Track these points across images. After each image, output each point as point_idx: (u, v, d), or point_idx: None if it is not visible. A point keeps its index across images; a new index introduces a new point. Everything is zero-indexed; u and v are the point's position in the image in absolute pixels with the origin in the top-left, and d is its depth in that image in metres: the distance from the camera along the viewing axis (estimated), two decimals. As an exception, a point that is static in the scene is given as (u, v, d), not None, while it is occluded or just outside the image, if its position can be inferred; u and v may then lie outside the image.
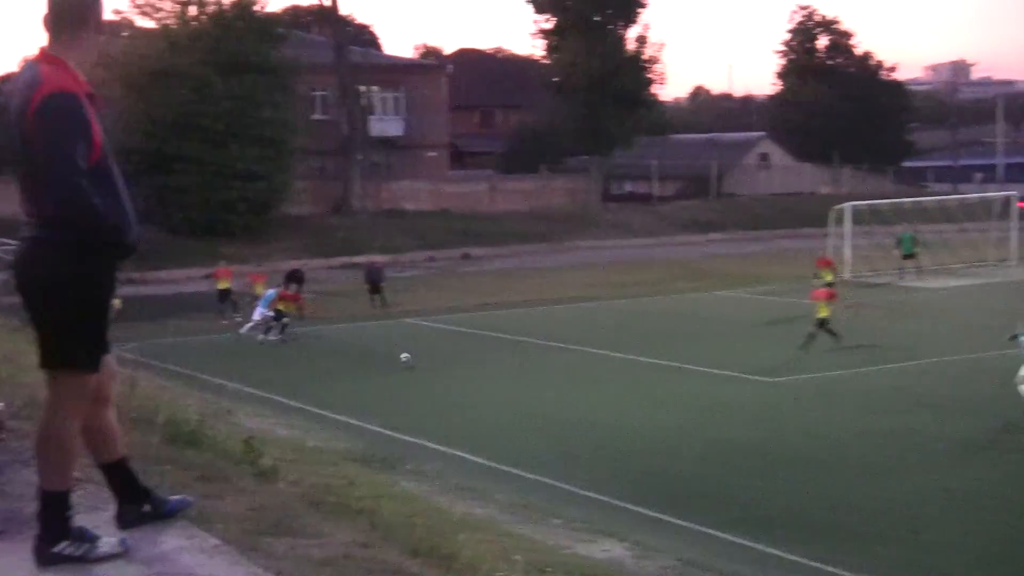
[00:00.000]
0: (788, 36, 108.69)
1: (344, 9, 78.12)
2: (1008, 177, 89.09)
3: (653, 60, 78.62)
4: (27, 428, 7.15)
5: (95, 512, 5.57)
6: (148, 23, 65.52)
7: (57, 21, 5.22)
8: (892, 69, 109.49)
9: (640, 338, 37.05)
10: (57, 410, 5.19)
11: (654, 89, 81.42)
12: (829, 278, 41.72)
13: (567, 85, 76.00)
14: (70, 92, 5.06)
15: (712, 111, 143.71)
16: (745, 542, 17.66)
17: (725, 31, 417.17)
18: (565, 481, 21.19)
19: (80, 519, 5.22)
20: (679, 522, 18.69)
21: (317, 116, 76.15)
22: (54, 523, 5.17)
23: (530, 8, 77.98)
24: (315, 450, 18.93)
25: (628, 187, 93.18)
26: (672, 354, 33.31)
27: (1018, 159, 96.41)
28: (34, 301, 5.15)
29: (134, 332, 33.01)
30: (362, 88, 74.65)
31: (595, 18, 75.94)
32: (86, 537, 5.17)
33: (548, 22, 77.68)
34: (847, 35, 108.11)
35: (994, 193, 66.12)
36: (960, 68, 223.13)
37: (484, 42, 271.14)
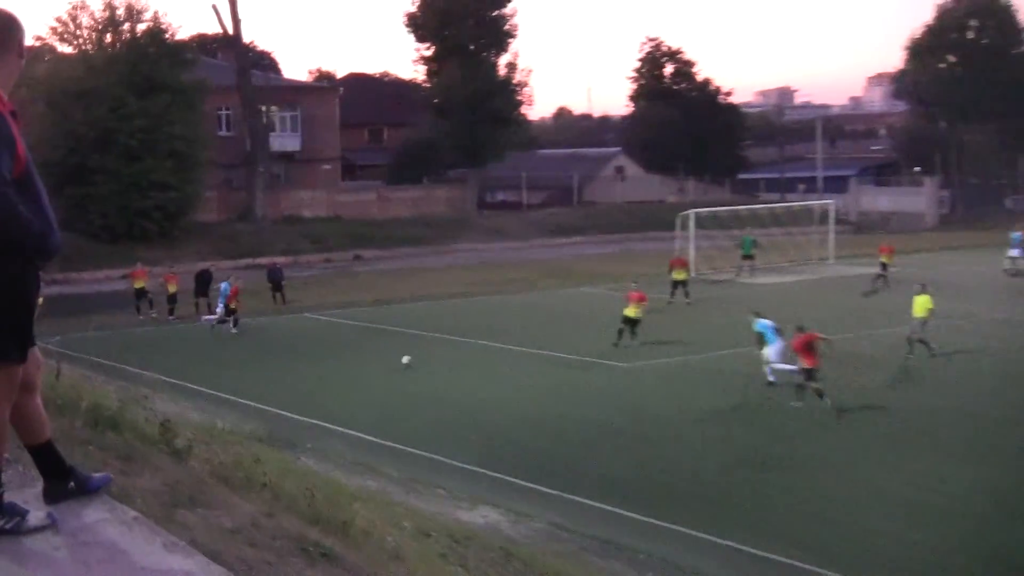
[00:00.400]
0: (639, 64, 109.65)
1: (246, 37, 77.18)
2: (826, 188, 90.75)
3: (522, 84, 78.94)
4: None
5: (24, 489, 5.44)
6: (67, 48, 64.58)
7: (-19, 46, 5.10)
8: (728, 94, 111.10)
9: (512, 329, 37.18)
10: (-11, 398, 5.10)
11: (523, 109, 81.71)
12: (682, 276, 42.07)
13: (446, 105, 75.90)
14: (-5, 111, 4.95)
15: (574, 129, 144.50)
16: (604, 506, 17.83)
17: (585, 59, 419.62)
18: (447, 456, 21.20)
19: (10, 496, 5.10)
20: (548, 490, 18.80)
21: (223, 133, 75.44)
22: (-14, 500, 5.07)
23: (412, 37, 77.84)
24: (224, 431, 18.69)
25: (501, 196, 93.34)
26: (539, 343, 33.47)
27: (834, 172, 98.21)
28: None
29: (59, 327, 32.36)
30: (263, 107, 73.92)
31: (470, 46, 75.98)
32: (16, 512, 5.07)
33: (428, 50, 77.58)
34: (690, 64, 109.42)
35: (815, 201, 67.51)
36: (785, 93, 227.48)
37: (372, 67, 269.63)
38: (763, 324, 27.39)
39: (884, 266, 44.68)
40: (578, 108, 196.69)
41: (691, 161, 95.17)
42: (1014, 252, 47.37)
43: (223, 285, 39.66)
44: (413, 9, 77.02)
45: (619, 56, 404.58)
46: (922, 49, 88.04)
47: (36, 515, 5.12)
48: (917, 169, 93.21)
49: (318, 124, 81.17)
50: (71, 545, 4.90)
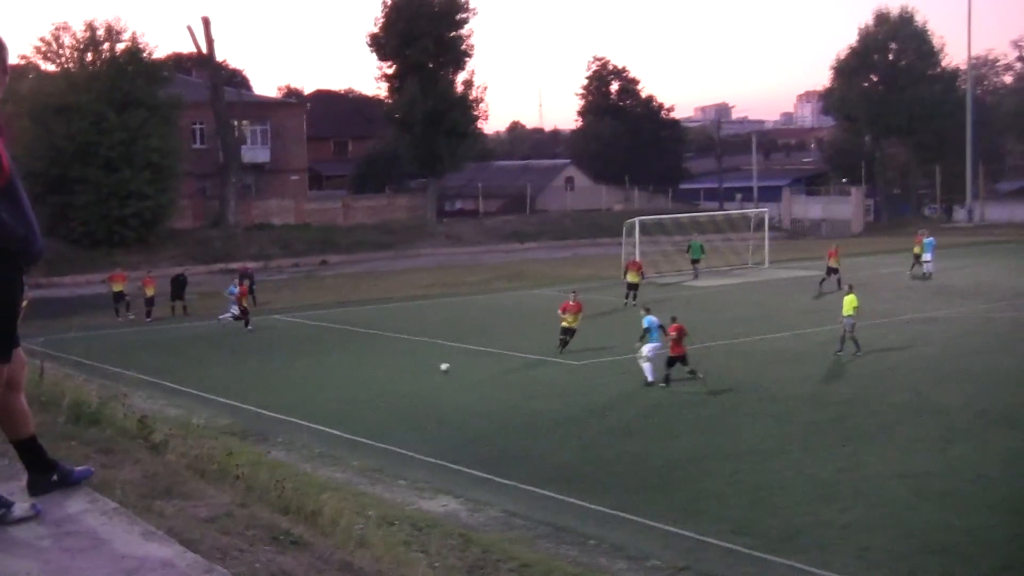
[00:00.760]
0: (587, 81, 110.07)
1: (219, 56, 76.76)
2: (761, 197, 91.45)
3: (478, 99, 78.81)
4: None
5: (10, 482, 5.38)
6: (50, 66, 64.15)
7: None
8: (670, 109, 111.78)
9: (469, 329, 37.17)
10: (-25, 395, 5.04)
11: (479, 123, 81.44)
12: (635, 279, 42.00)
13: (406, 120, 75.69)
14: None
15: (526, 142, 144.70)
16: (558, 496, 17.84)
17: (537, 76, 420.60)
18: (409, 448, 21.17)
19: (-4, 488, 5.05)
20: (504, 481, 18.80)
21: (197, 145, 75.17)
22: (-27, 492, 5.02)
23: (375, 56, 77.60)
24: (199, 426, 18.58)
25: (458, 204, 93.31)
26: (495, 342, 33.48)
27: (768, 182, 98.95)
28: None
29: (42, 329, 32.01)
30: (235, 122, 73.56)
31: (429, 64, 75.84)
32: (2, 503, 5.01)
33: (390, 67, 77.32)
34: (634, 81, 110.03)
35: (751, 210, 67.90)
36: (723, 109, 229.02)
37: (337, 83, 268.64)
38: (650, 320, 27.48)
39: (832, 270, 44.11)
40: (530, 122, 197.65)
41: (636, 172, 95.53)
42: (926, 256, 47.81)
43: (231, 288, 40.31)
44: (376, 29, 76.81)
45: (568, 74, 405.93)
46: (847, 69, 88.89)
47: (21, 506, 5.07)
48: (844, 180, 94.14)
49: (287, 137, 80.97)
50: (55, 535, 4.86)
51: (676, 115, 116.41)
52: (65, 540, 4.79)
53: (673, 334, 26.24)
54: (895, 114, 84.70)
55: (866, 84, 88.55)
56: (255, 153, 79.27)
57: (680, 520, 16.42)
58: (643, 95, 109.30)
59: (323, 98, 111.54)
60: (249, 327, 38.27)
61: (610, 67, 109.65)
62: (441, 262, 64.56)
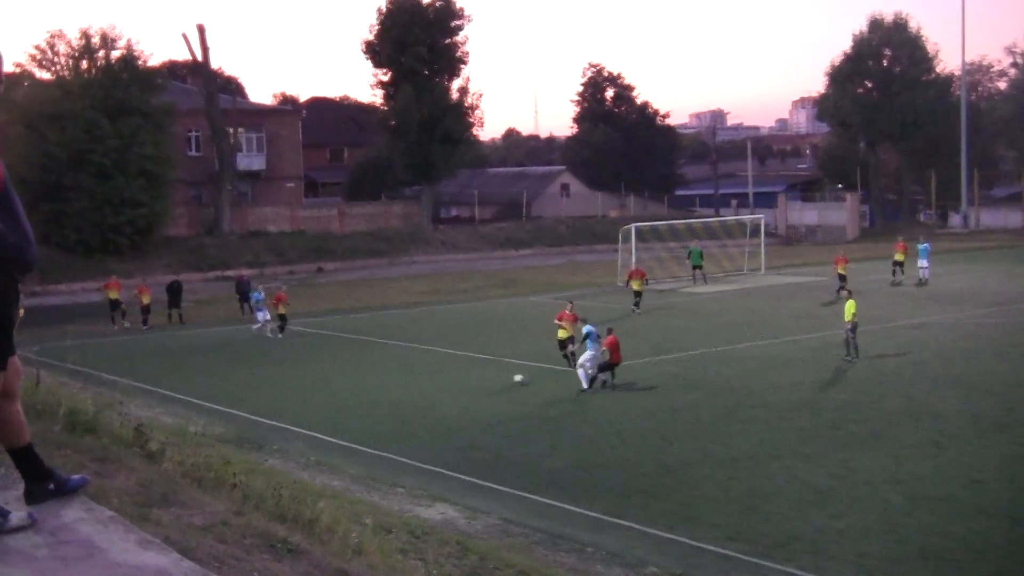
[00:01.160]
0: (582, 88, 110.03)
1: (214, 63, 76.78)
2: (756, 203, 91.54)
3: (473, 107, 78.85)
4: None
5: (6, 491, 5.39)
6: (45, 74, 64.17)
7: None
8: (665, 116, 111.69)
9: (463, 335, 37.17)
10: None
11: (474, 130, 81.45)
12: (638, 286, 41.80)
13: (401, 127, 75.72)
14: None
15: (521, 148, 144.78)
16: (554, 503, 17.84)
17: (531, 83, 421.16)
18: (405, 456, 21.16)
19: (-8, 497, 5.06)
20: (500, 488, 18.80)
21: (192, 153, 75.25)
22: (-30, 501, 5.02)
23: (370, 63, 77.61)
24: (195, 434, 18.57)
25: (454, 211, 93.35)
26: (490, 348, 33.47)
27: (763, 188, 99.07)
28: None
29: (37, 337, 31.96)
30: (230, 129, 73.55)
31: (424, 72, 75.88)
32: (-1, 512, 5.02)
33: (385, 75, 77.35)
34: (629, 88, 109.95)
35: (746, 216, 67.95)
36: (718, 115, 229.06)
37: (332, 91, 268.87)
38: (589, 329, 27.87)
39: (842, 277, 43.55)
40: (526, 129, 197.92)
41: (631, 178, 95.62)
42: (923, 263, 47.88)
43: (254, 295, 40.03)
44: (371, 37, 76.88)
45: (563, 80, 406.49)
46: (842, 75, 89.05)
47: (17, 515, 5.08)
48: (839, 186, 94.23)
49: (282, 145, 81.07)
50: (51, 543, 4.87)
51: (671, 121, 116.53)
52: (61, 549, 4.80)
53: (610, 344, 27.13)
54: (889, 120, 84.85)
55: (860, 90, 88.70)
56: (250, 160, 79.34)
57: (675, 526, 16.44)
58: (638, 102, 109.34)
59: (318, 105, 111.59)
60: (280, 335, 38.10)
61: (605, 74, 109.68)
62: (436, 269, 64.57)
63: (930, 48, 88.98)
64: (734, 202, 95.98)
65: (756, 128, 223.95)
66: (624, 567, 14.94)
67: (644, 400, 25.77)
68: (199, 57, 71.30)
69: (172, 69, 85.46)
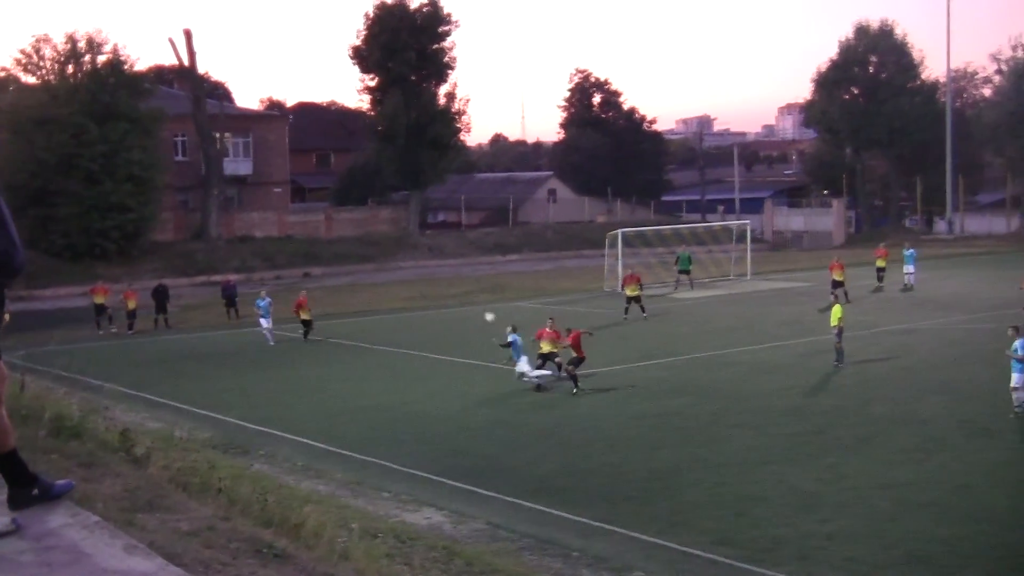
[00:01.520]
0: (569, 93, 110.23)
1: (201, 68, 76.51)
2: (743, 209, 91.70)
3: (460, 112, 78.84)
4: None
5: (-11, 496, 5.35)
6: (31, 78, 63.98)
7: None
8: (652, 122, 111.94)
9: (451, 341, 37.13)
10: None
11: (461, 136, 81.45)
12: (634, 292, 41.30)
13: (389, 132, 75.67)
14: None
15: (509, 154, 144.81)
16: (542, 508, 17.83)
17: (519, 88, 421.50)
18: (392, 461, 21.13)
19: (-24, 503, 5.02)
20: (488, 493, 18.79)
21: (179, 158, 75.14)
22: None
23: (358, 68, 77.55)
24: (181, 439, 18.50)
25: (441, 216, 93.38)
26: (476, 354, 33.41)
27: (750, 194, 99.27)
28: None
29: (23, 342, 31.78)
30: (217, 134, 73.45)
31: (412, 77, 75.86)
32: (-19, 518, 4.98)
33: (373, 80, 77.29)
34: (616, 94, 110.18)
35: (733, 221, 68.03)
36: (705, 121, 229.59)
37: (320, 96, 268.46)
38: (514, 338, 28.45)
39: (837, 283, 43.16)
40: (513, 134, 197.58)
41: (618, 184, 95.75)
42: (909, 268, 47.98)
43: (259, 301, 39.14)
44: (358, 42, 76.83)
45: (551, 86, 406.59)
46: (828, 82, 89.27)
47: (1, 521, 5.04)
48: (826, 192, 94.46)
49: (269, 150, 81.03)
50: (35, 549, 4.83)
51: (658, 127, 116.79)
52: (46, 555, 4.77)
53: (573, 341, 27.70)
54: (875, 127, 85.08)
55: (847, 97, 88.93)
56: (237, 165, 79.26)
57: (663, 531, 16.43)
58: (625, 107, 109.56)
59: (305, 110, 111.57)
60: (306, 339, 38.03)
61: (592, 79, 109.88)
62: (423, 274, 64.53)
63: (916, 55, 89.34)
64: (721, 208, 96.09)
65: (743, 134, 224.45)
66: (612, 572, 14.92)
67: (632, 405, 25.77)
68: (186, 62, 71.19)
69: (159, 74, 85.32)
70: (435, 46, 76.97)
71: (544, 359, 28.71)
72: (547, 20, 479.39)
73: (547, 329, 28.86)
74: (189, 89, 73.08)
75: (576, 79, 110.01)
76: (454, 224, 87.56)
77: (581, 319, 38.86)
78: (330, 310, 47.00)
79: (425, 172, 77.03)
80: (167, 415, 25.63)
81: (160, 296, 43.73)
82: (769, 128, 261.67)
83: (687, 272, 51.19)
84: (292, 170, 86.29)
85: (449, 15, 77.21)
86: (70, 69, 63.21)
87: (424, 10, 76.26)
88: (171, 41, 72.07)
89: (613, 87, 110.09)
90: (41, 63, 63.13)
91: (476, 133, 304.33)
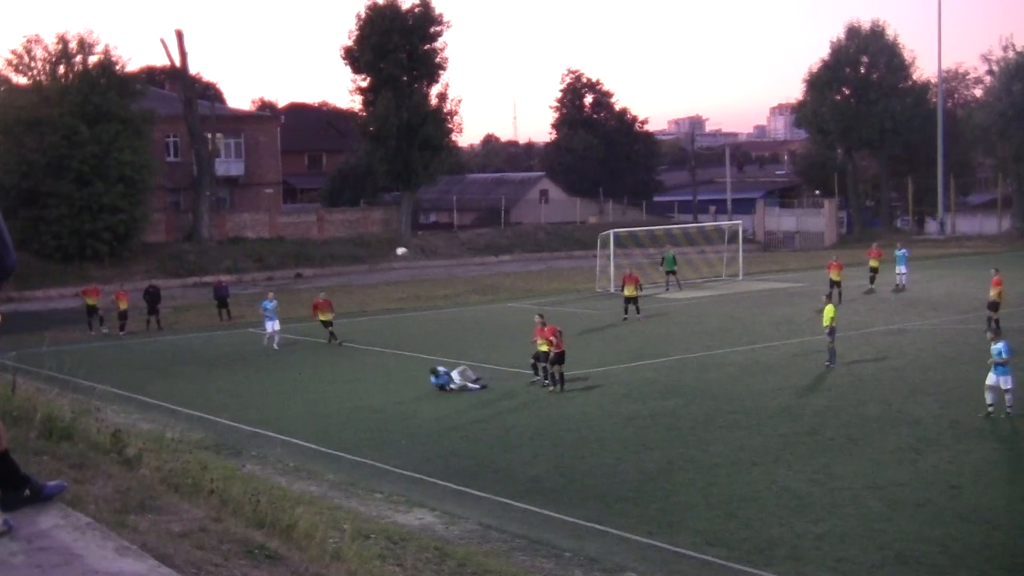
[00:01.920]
0: (561, 94, 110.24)
1: (192, 69, 76.38)
2: (735, 209, 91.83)
3: (452, 113, 78.78)
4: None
5: (-20, 498, 5.34)
6: (22, 79, 63.82)
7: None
8: (644, 122, 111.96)
9: (442, 342, 37.12)
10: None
11: (453, 136, 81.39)
12: (632, 292, 41.09)
13: (380, 133, 75.61)
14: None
15: (501, 155, 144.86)
16: (534, 508, 17.83)
17: (510, 89, 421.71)
18: (384, 462, 21.13)
19: (-33, 504, 5.01)
20: (479, 493, 18.79)
21: (171, 159, 75.05)
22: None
23: (349, 69, 77.49)
24: (173, 440, 18.34)
25: (433, 217, 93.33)
26: (467, 355, 33.40)
27: (742, 195, 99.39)
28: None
29: (13, 343, 31.67)
30: (208, 135, 73.37)
31: (403, 78, 75.83)
32: (-27, 520, 4.97)
33: (364, 81, 77.21)
34: (608, 94, 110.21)
35: (725, 222, 68.13)
36: (697, 122, 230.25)
37: (311, 96, 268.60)
38: (436, 379, 28.56)
39: (834, 283, 43.16)
40: (504, 135, 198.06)
41: (610, 185, 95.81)
42: (900, 269, 48.08)
43: (265, 303, 38.29)
44: (350, 43, 76.77)
45: (543, 86, 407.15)
46: (819, 82, 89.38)
47: (-7, 522, 5.03)
48: (817, 192, 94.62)
49: (260, 150, 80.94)
50: (27, 550, 4.83)
51: (650, 128, 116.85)
52: (37, 556, 4.76)
53: (551, 334, 27.67)
54: (867, 127, 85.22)
55: (838, 97, 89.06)
56: (228, 166, 79.23)
57: (655, 532, 16.45)
58: (617, 108, 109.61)
59: (297, 111, 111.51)
60: (337, 341, 37.33)
61: (584, 80, 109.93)
62: (415, 275, 64.50)
63: (907, 55, 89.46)
64: (712, 208, 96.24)
65: (734, 135, 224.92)
66: (603, 573, 14.93)
67: (624, 406, 25.78)
68: (177, 63, 71.14)
69: (150, 75, 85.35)
70: (427, 47, 76.94)
71: (536, 359, 28.71)
72: (539, 20, 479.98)
73: (539, 328, 28.74)
74: (180, 90, 72.95)
75: (568, 80, 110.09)
76: (446, 225, 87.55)
77: (573, 320, 38.95)
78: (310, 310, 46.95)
79: (417, 173, 76.99)
80: (159, 416, 25.54)
81: (151, 297, 43.67)
82: (760, 129, 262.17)
83: (673, 272, 51.28)
84: (284, 171, 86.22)
85: (441, 15, 77.21)
86: (61, 70, 63.12)
87: (416, 11, 76.22)
88: (162, 42, 72.26)
89: (605, 88, 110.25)
90: (32, 64, 63.01)
91: (468, 134, 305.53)
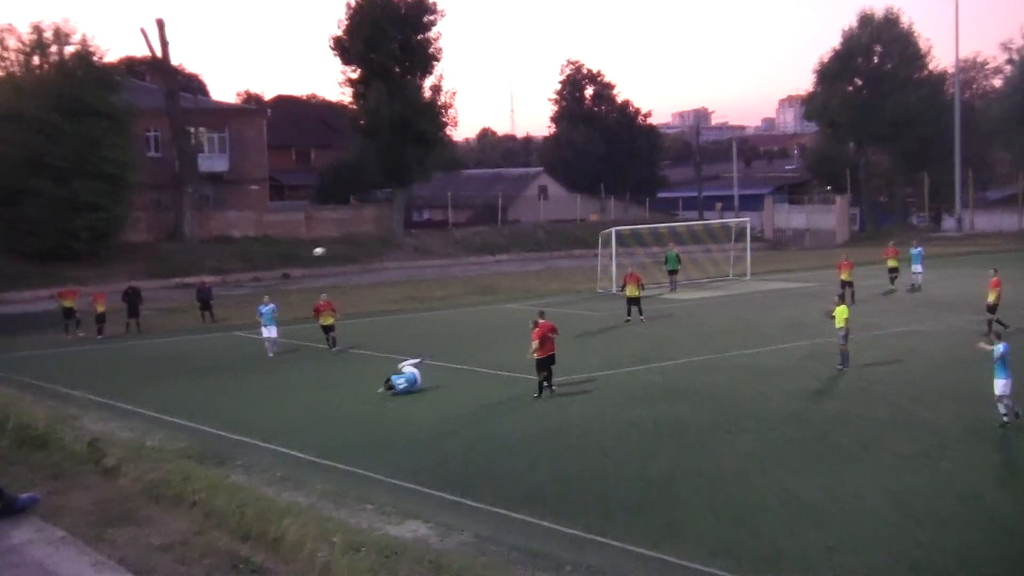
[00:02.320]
0: (560, 86, 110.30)
1: (174, 59, 76.39)
2: (742, 206, 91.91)
3: (446, 106, 78.87)
4: None
5: (-49, 511, 5.32)
6: (-6, 71, 63.75)
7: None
8: (647, 115, 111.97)
9: (437, 345, 37.08)
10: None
11: (447, 131, 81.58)
12: (634, 292, 41.16)
13: (372, 127, 75.67)
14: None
15: (497, 150, 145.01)
16: (531, 519, 17.78)
17: (507, 80, 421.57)
18: (375, 471, 21.08)
19: (-63, 518, 4.99)
20: (475, 504, 18.74)
21: (152, 154, 74.93)
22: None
23: (339, 60, 77.50)
24: (154, 449, 18.43)
25: (427, 215, 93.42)
26: (463, 358, 33.41)
27: (749, 191, 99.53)
28: None
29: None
30: (191, 129, 73.39)
31: (396, 69, 75.89)
32: (-58, 534, 4.95)
33: (355, 72, 77.27)
34: (609, 86, 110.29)
35: (732, 220, 68.18)
36: (702, 115, 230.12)
37: (299, 89, 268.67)
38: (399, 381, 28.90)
39: (845, 283, 42.89)
40: (501, 129, 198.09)
41: (611, 181, 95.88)
42: (916, 267, 48.11)
43: (262, 308, 37.09)
44: (340, 33, 76.81)
45: (541, 78, 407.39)
46: (830, 73, 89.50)
47: (-38, 537, 5.01)
48: (828, 188, 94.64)
49: (246, 145, 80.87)
50: (-2, 566, 4.81)
51: (653, 121, 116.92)
52: (9, 573, 4.75)
53: (542, 333, 27.31)
54: (879, 120, 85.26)
55: (850, 89, 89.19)
56: (213, 162, 79.16)
57: (659, 543, 16.41)
58: (619, 100, 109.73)
59: (284, 104, 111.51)
60: (336, 348, 36.65)
61: (584, 71, 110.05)
62: (409, 275, 64.52)
63: (922, 45, 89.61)
64: (719, 205, 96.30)
65: (741, 128, 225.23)
66: (606, 586, 14.91)
67: (626, 411, 25.75)
68: (158, 53, 71.15)
69: (130, 66, 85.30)
70: (420, 37, 77.04)
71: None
72: (537, 9, 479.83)
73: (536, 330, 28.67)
74: (162, 82, 73.01)
75: (567, 71, 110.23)
76: (441, 223, 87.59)
77: (574, 321, 38.94)
78: (310, 314, 46.91)
79: (410, 169, 77.06)
80: (139, 424, 25.53)
81: (131, 299, 43.65)
82: (769, 122, 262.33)
83: (675, 272, 51.33)
84: (271, 167, 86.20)
85: (434, 4, 77.33)
86: (36, 61, 63.14)
87: (408, -1, 76.29)
88: (143, 31, 72.11)
89: (606, 79, 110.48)
90: (5, 55, 63.11)
91: (463, 128, 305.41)
